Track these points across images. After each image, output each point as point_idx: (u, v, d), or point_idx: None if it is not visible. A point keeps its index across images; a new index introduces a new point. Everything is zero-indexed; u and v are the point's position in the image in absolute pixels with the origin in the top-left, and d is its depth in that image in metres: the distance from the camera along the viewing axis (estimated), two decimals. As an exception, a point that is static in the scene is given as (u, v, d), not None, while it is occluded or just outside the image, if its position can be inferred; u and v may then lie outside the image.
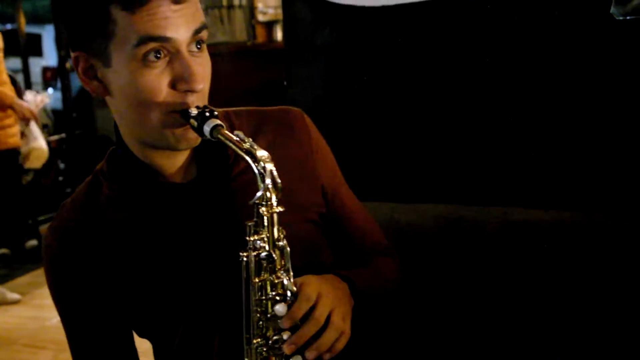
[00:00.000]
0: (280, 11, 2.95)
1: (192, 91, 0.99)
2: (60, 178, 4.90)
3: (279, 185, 0.97)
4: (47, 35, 9.25)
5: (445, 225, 1.49)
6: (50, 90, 9.32)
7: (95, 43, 1.00)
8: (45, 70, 9.37)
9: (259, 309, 0.99)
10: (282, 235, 1.00)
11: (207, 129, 0.97)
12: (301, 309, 0.97)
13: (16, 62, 7.76)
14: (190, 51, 0.99)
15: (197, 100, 1.00)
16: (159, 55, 0.97)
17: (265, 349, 1.00)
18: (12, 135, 4.00)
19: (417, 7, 1.62)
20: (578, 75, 1.49)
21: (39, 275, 4.47)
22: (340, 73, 1.73)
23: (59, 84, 6.57)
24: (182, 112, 1.00)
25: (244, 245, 1.02)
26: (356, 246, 1.24)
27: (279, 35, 3.84)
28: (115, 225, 1.11)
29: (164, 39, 0.96)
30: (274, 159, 0.98)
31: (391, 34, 1.68)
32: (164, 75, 0.98)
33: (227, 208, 1.11)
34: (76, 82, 5.03)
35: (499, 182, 1.58)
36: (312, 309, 0.98)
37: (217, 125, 0.97)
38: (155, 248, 1.10)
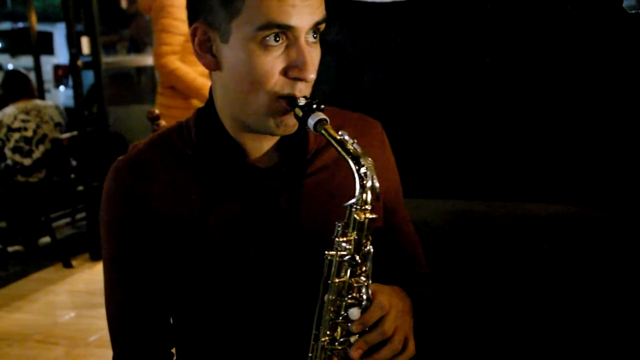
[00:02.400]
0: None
1: (302, 80, 1.00)
2: (72, 175, 4.92)
3: (377, 192, 0.97)
4: (58, 33, 9.32)
5: (455, 221, 1.50)
6: (62, 87, 9.40)
7: (219, 17, 1.00)
8: (56, 68, 9.43)
9: (332, 309, 0.99)
10: (368, 241, 1.00)
11: (311, 121, 0.98)
12: (373, 316, 0.98)
13: (28, 60, 7.81)
14: (307, 40, 1.00)
15: (305, 89, 1.01)
16: (278, 40, 0.98)
17: (330, 349, 1.00)
18: None
19: (428, 2, 1.62)
20: (588, 71, 1.49)
21: (52, 272, 4.51)
22: (351, 70, 1.73)
23: (70, 82, 6.62)
24: (289, 99, 1.00)
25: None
26: (400, 268, 1.22)
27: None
28: (186, 187, 1.09)
29: (287, 27, 0.97)
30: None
31: (402, 29, 1.68)
32: (279, 60, 0.99)
33: (295, 203, 1.11)
34: (87, 80, 5.04)
35: (509, 176, 1.58)
36: (383, 318, 0.98)
37: (322, 120, 0.98)
38: (219, 224, 1.09)
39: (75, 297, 4.08)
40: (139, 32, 6.61)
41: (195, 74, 3.46)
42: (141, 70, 6.55)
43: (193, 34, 1.04)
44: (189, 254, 1.09)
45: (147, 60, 6.29)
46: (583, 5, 1.45)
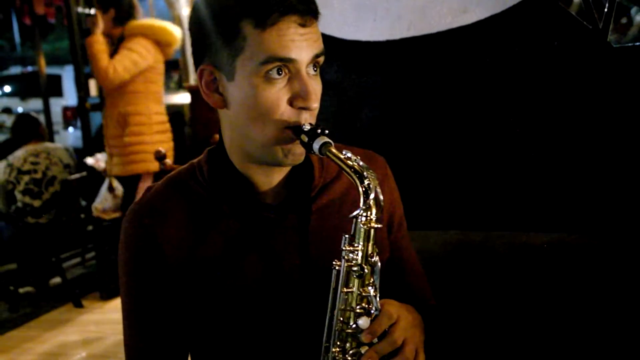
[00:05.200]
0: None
1: (307, 109, 1.05)
2: (82, 215, 4.97)
3: (382, 203, 1.01)
4: (67, 75, 9.46)
5: (453, 251, 1.52)
6: (70, 129, 9.51)
7: (223, 57, 1.06)
8: (65, 109, 9.56)
9: (342, 319, 1.02)
10: (375, 252, 1.03)
11: (316, 145, 1.02)
12: (382, 325, 1.01)
13: (37, 103, 7.92)
14: (307, 72, 1.05)
15: (310, 118, 1.06)
16: (280, 73, 1.03)
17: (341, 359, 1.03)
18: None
19: (421, 41, 1.67)
20: (579, 104, 1.52)
21: (63, 312, 4.52)
22: (349, 107, 1.77)
23: (78, 123, 6.70)
24: (294, 128, 1.05)
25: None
26: (408, 299, 1.21)
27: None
28: (200, 227, 1.13)
29: (288, 60, 1.02)
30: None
31: (396, 67, 1.73)
32: (283, 92, 1.04)
33: (302, 239, 1.15)
34: (95, 121, 5.12)
35: (504, 207, 1.61)
36: (392, 328, 1.01)
37: (326, 143, 1.03)
38: (232, 262, 1.13)
39: (86, 337, 4.09)
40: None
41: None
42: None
43: (200, 76, 1.10)
44: (204, 292, 1.13)
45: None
46: (570, 42, 1.50)
